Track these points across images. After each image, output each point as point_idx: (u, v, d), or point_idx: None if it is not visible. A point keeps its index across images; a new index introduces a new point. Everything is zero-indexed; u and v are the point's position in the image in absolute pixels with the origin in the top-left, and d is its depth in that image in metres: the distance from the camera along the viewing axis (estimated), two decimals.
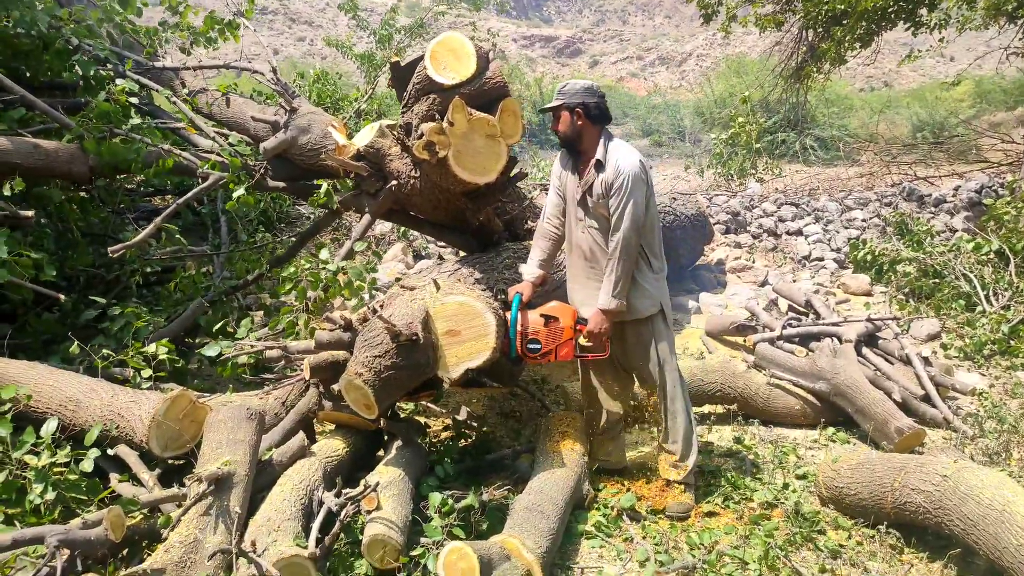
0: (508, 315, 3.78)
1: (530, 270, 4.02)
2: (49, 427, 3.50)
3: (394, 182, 4.42)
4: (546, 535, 3.32)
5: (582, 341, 3.86)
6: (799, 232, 9.67)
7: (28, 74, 5.30)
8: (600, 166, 3.70)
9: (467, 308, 3.64)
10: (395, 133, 4.32)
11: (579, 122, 3.74)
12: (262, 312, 5.89)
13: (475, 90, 4.05)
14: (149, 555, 3.08)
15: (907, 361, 5.26)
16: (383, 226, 8.60)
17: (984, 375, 5.74)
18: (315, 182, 4.94)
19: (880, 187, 11.37)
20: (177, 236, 5.37)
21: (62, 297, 4.32)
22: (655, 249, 3.88)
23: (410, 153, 4.07)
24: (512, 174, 4.37)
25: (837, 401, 4.78)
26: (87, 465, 3.46)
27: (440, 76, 4.01)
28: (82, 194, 5.55)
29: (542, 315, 3.80)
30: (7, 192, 4.42)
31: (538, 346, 3.78)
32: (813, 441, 4.76)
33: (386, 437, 4.08)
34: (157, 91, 5.34)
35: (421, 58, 4.12)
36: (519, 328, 3.76)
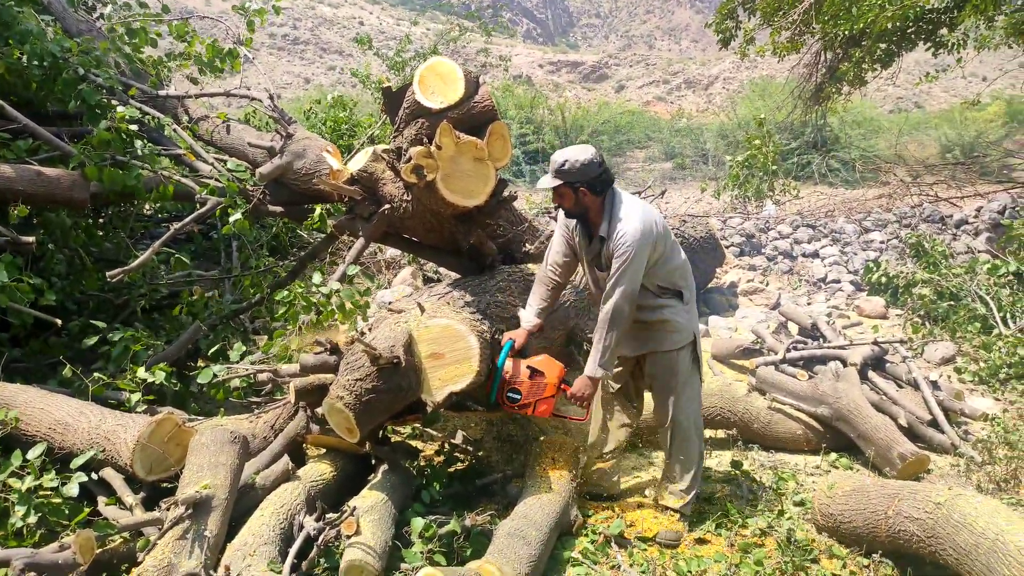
0: (497, 358, 3.76)
1: (527, 318, 3.94)
2: (36, 451, 3.53)
3: (387, 206, 4.44)
4: (526, 562, 3.26)
5: (570, 407, 3.86)
6: (815, 254, 9.54)
7: (38, 103, 5.44)
8: (603, 240, 3.61)
9: (450, 331, 3.63)
10: (387, 157, 4.35)
11: (584, 198, 3.60)
12: (267, 336, 5.93)
13: (463, 114, 4.07)
14: None
15: (915, 385, 5.14)
16: (393, 250, 8.64)
17: (999, 400, 5.58)
18: (312, 206, 4.98)
19: (900, 208, 11.19)
20: (180, 260, 5.44)
21: (58, 322, 4.38)
22: (687, 280, 3.82)
23: (399, 177, 4.09)
24: (502, 197, 4.36)
25: (839, 426, 4.68)
26: (71, 489, 3.48)
27: (428, 100, 4.04)
28: (89, 220, 5.66)
29: (529, 367, 3.77)
30: (12, 219, 4.53)
31: (518, 396, 3.75)
32: (815, 467, 4.65)
33: (373, 461, 4.06)
34: (159, 119, 5.45)
35: (411, 83, 4.15)
36: (503, 375, 3.74)
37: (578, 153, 3.54)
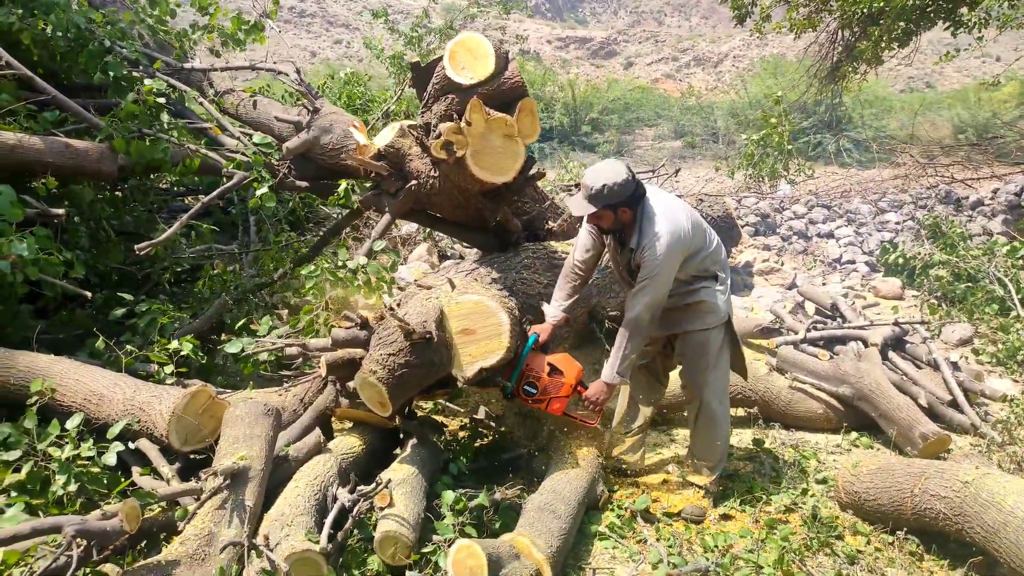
0: (521, 349, 3.80)
1: (553, 312, 3.94)
2: (74, 420, 3.58)
3: (414, 182, 4.44)
4: (557, 535, 3.32)
5: (580, 410, 3.91)
6: (830, 235, 9.53)
7: (63, 75, 5.43)
8: (633, 252, 3.60)
9: (481, 307, 3.66)
10: (415, 133, 4.35)
11: (624, 215, 3.57)
12: (287, 311, 5.96)
13: (493, 90, 4.05)
14: (167, 547, 3.14)
15: (935, 366, 5.16)
16: (409, 226, 8.65)
17: (1017, 381, 5.60)
18: (337, 181, 4.99)
19: (915, 189, 11.15)
20: (202, 233, 5.45)
21: (89, 295, 4.41)
22: (721, 263, 3.83)
23: (428, 153, 4.08)
24: (530, 174, 4.36)
25: (860, 405, 4.71)
26: (110, 458, 3.53)
27: (458, 76, 4.02)
28: (113, 193, 5.67)
29: (549, 363, 3.80)
30: (41, 191, 4.55)
31: (534, 391, 3.79)
32: (836, 446, 4.69)
33: (402, 435, 4.11)
34: (185, 92, 5.44)
35: (440, 59, 4.14)
36: (523, 367, 3.77)
37: (613, 174, 3.46)
